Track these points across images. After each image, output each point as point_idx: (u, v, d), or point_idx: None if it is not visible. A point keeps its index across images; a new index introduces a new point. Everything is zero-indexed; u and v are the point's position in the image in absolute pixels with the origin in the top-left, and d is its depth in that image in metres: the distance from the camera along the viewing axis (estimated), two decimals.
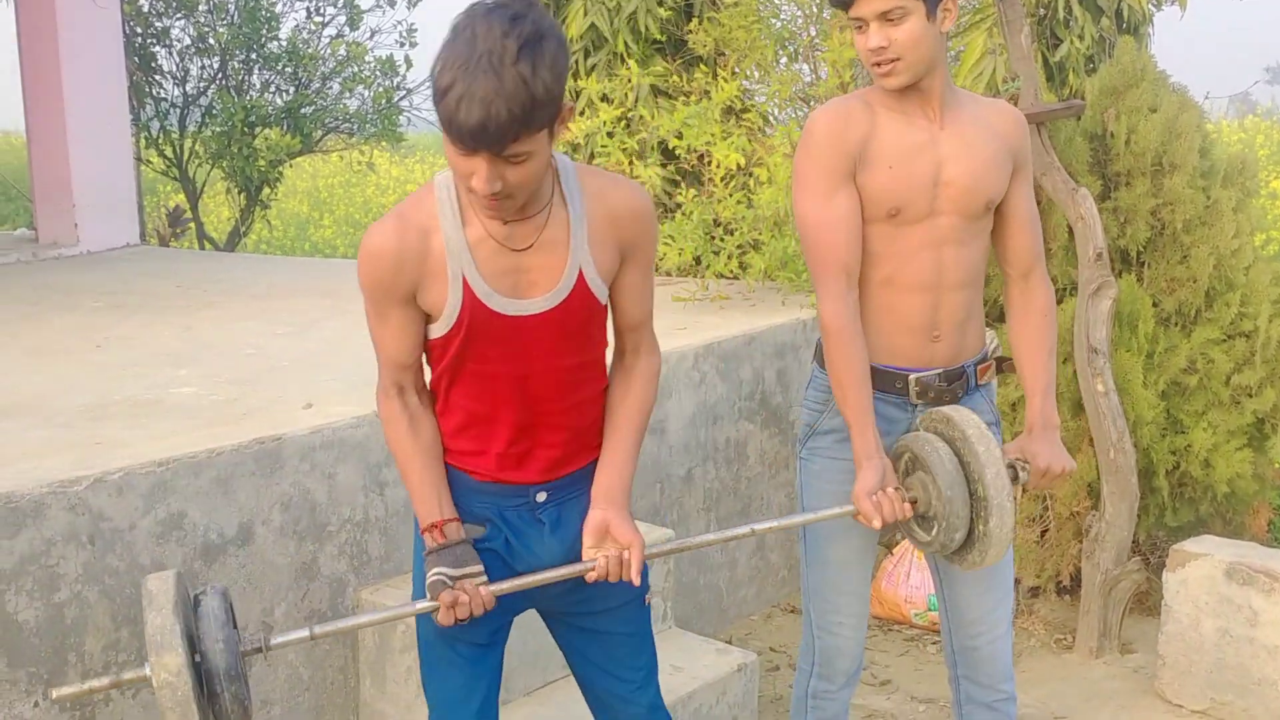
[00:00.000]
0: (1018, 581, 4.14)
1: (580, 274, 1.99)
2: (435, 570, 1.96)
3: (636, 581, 2.01)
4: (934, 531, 2.26)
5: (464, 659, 2.14)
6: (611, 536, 2.00)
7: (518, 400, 2.02)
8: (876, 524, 2.23)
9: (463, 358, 2.00)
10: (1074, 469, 2.42)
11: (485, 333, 1.97)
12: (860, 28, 2.25)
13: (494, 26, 1.72)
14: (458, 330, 1.96)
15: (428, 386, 2.10)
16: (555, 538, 2.09)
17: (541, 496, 2.08)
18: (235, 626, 1.86)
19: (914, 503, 2.27)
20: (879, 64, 2.25)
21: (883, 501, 2.23)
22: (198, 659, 1.76)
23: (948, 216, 2.34)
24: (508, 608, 2.12)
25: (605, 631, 2.20)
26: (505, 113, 1.71)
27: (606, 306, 2.08)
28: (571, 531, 2.09)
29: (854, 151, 2.29)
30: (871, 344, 2.38)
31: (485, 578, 1.98)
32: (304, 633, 1.91)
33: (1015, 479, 2.32)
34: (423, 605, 1.96)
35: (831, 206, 2.29)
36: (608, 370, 2.16)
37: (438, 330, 1.99)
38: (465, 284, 1.94)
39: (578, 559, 2.08)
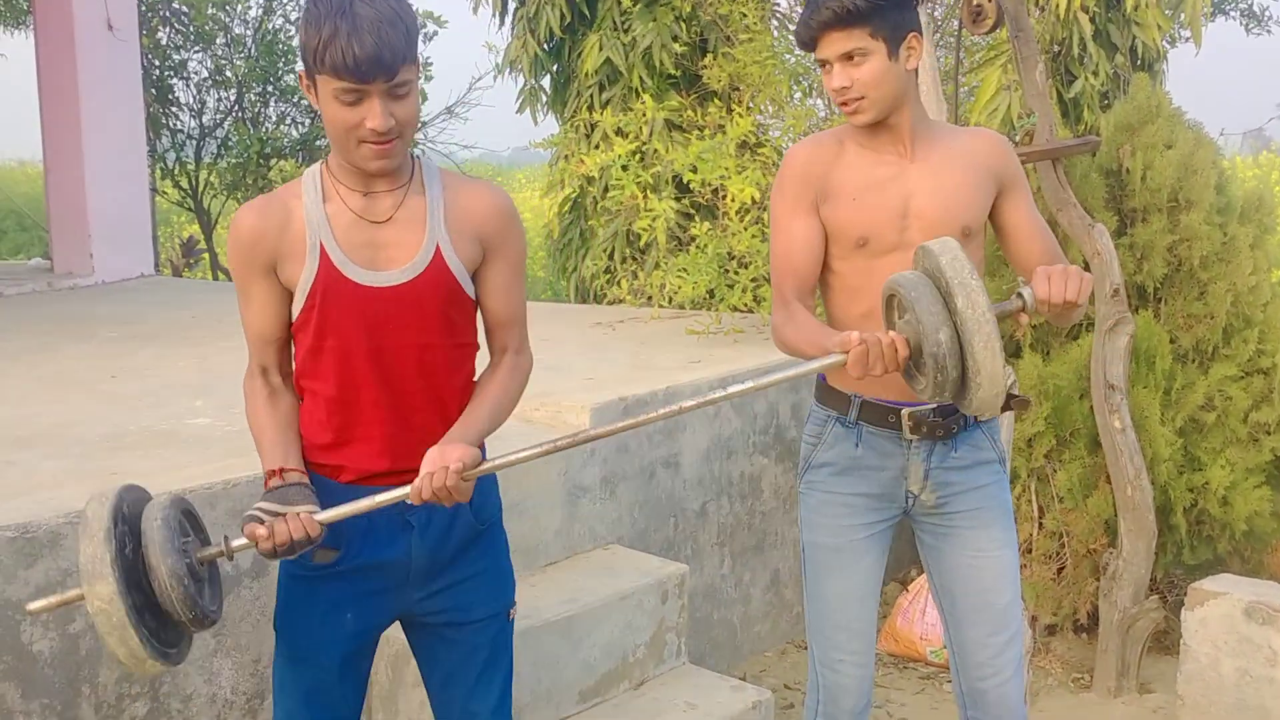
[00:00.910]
0: (1034, 619, 4.11)
1: (438, 250, 2.03)
2: (256, 506, 1.95)
3: (463, 490, 1.92)
4: (927, 371, 2.02)
5: (312, 690, 2.12)
6: (443, 458, 1.92)
7: (376, 376, 2.03)
8: (854, 338, 2.00)
9: (322, 333, 2.02)
10: (1088, 276, 2.12)
11: (340, 303, 2.00)
12: (826, 68, 2.31)
13: None
14: (314, 300, 2.00)
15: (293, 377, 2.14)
16: (423, 541, 2.08)
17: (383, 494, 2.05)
18: (191, 533, 1.94)
19: (905, 340, 2.02)
20: (844, 103, 2.31)
21: (866, 337, 2.00)
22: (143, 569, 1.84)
23: None
24: (369, 614, 2.11)
25: (465, 643, 2.18)
26: (393, 36, 1.83)
27: (472, 300, 2.10)
28: (438, 531, 2.09)
29: (816, 184, 2.35)
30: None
31: (315, 510, 1.94)
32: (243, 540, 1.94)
33: (1022, 307, 2.07)
34: (237, 543, 1.93)
35: (792, 233, 2.35)
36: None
37: (296, 306, 2.03)
38: (322, 252, 1.99)
39: (444, 561, 2.10)
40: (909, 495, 2.45)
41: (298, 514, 1.91)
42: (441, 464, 1.91)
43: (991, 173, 2.40)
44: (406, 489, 1.92)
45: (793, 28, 6.00)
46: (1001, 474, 2.50)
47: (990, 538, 2.46)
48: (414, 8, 1.95)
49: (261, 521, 1.91)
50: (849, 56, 2.25)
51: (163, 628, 1.86)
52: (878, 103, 2.29)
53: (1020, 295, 2.09)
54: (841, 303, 2.41)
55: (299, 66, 1.94)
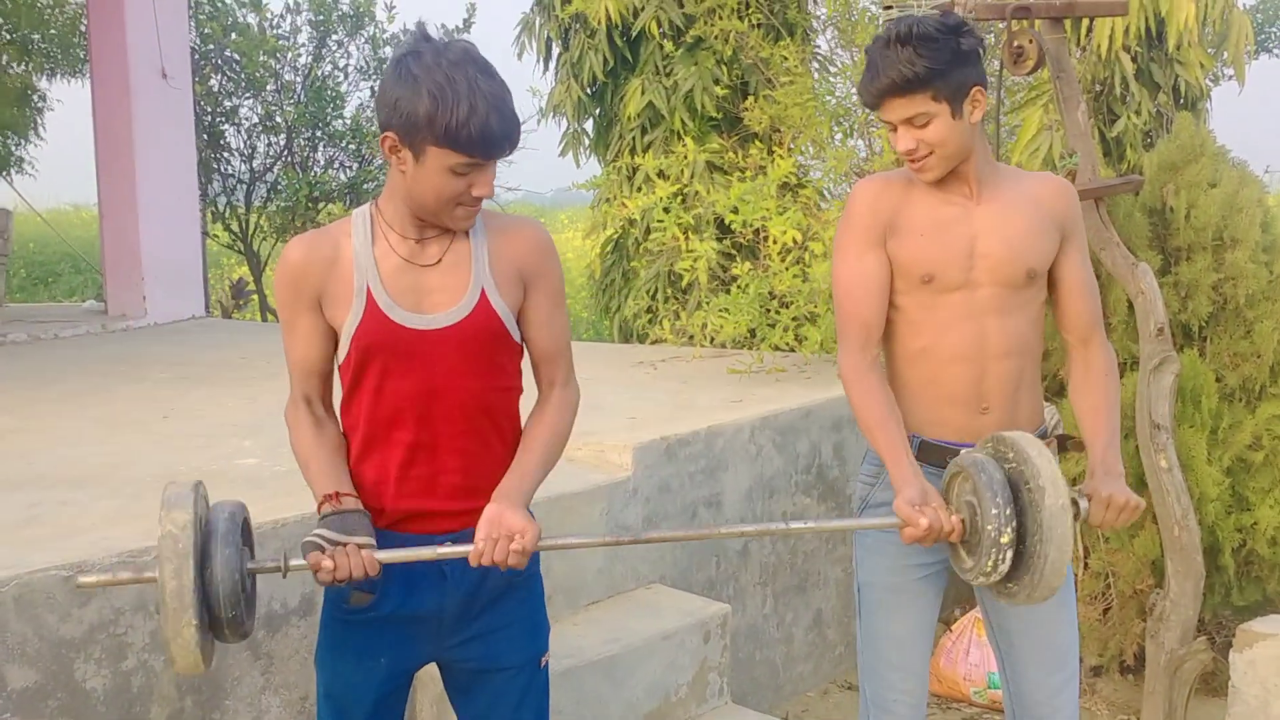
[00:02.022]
0: (1080, 660, 4.07)
1: (483, 293, 2.04)
2: (315, 532, 1.92)
3: (521, 564, 1.94)
4: (976, 560, 2.10)
5: None
6: (503, 524, 1.94)
7: (418, 418, 2.03)
8: (922, 524, 2.10)
9: (366, 374, 2.03)
10: (1141, 505, 2.26)
11: (387, 346, 2.01)
12: (891, 128, 2.32)
13: (450, 52, 1.89)
14: (359, 343, 2.01)
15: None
16: (457, 588, 2.09)
17: (447, 546, 2.06)
18: (247, 544, 1.92)
19: (962, 521, 2.13)
20: (912, 162, 2.32)
21: (925, 511, 2.12)
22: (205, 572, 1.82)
23: (987, 288, 2.36)
24: (403, 659, 2.12)
25: (495, 690, 2.17)
26: (514, 110, 1.91)
27: (518, 343, 2.11)
28: (473, 580, 2.08)
29: (885, 219, 2.35)
30: (919, 417, 2.39)
31: (374, 546, 1.92)
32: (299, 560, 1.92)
33: (1076, 515, 2.17)
34: (296, 563, 1.91)
35: (860, 268, 2.35)
36: (522, 422, 2.17)
37: (341, 348, 2.04)
38: (369, 296, 2.01)
39: (478, 609, 2.10)
40: None
41: (359, 549, 1.90)
42: (504, 531, 1.92)
43: (1055, 219, 2.41)
44: (468, 548, 1.93)
45: (833, 69, 6.06)
46: None
47: None
48: None
49: (323, 550, 1.89)
50: (912, 121, 2.26)
51: (201, 628, 1.83)
52: (944, 160, 2.30)
53: (1076, 505, 2.17)
54: (901, 336, 2.41)
55: (387, 132, 1.94)
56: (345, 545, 1.90)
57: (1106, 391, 2.43)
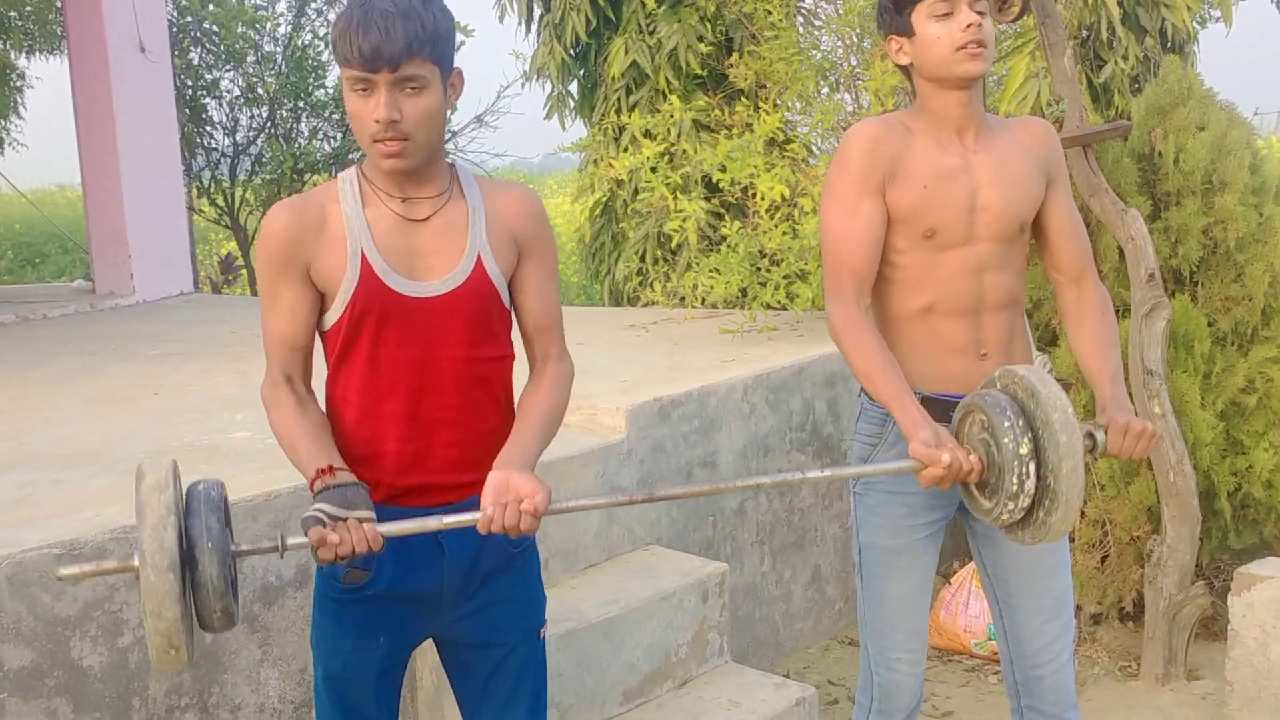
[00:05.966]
0: (1079, 608, 4.08)
1: (479, 260, 2.01)
2: (315, 507, 1.84)
3: (533, 528, 1.88)
4: (997, 497, 2.04)
5: (349, 710, 2.11)
6: (511, 489, 1.87)
7: (411, 388, 1.99)
8: (944, 460, 2.05)
9: (357, 341, 1.99)
10: (1158, 433, 2.18)
11: (382, 312, 1.97)
12: (945, 14, 2.24)
13: None
14: (354, 308, 1.96)
15: (320, 389, 2.09)
16: (455, 562, 2.06)
17: (453, 515, 2.00)
18: (227, 524, 1.83)
19: (980, 460, 2.07)
20: (966, 45, 2.23)
21: (943, 451, 2.07)
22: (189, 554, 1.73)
23: (986, 243, 2.34)
24: (402, 636, 2.10)
25: (494, 663, 2.15)
26: (401, 29, 1.84)
27: (509, 310, 2.08)
28: (470, 555, 2.05)
29: (886, 165, 2.29)
30: (920, 372, 2.37)
31: (374, 520, 1.86)
32: (300, 538, 1.84)
33: (1092, 448, 2.13)
34: (294, 541, 1.83)
35: (856, 216, 2.29)
36: (514, 396, 2.13)
37: (333, 314, 1.99)
38: (364, 259, 1.96)
39: (476, 584, 2.08)
40: None
41: (360, 524, 1.84)
42: (512, 495, 1.86)
43: (1041, 165, 2.39)
44: (476, 515, 1.87)
45: (818, 23, 5.99)
46: None
47: None
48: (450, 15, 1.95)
49: (323, 525, 1.82)
50: (976, 5, 2.23)
51: (185, 617, 1.75)
52: (989, 57, 2.26)
53: (1092, 436, 2.13)
54: (900, 296, 2.37)
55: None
56: (347, 520, 1.84)
57: (1103, 327, 2.40)
